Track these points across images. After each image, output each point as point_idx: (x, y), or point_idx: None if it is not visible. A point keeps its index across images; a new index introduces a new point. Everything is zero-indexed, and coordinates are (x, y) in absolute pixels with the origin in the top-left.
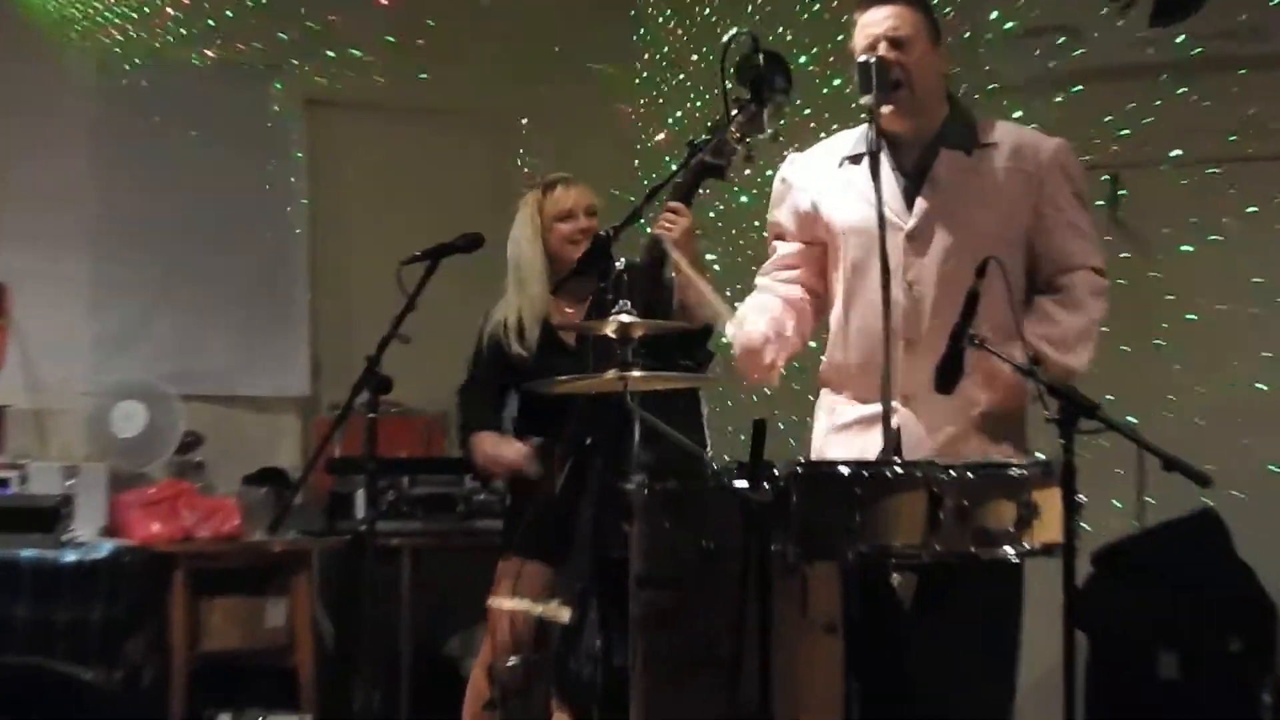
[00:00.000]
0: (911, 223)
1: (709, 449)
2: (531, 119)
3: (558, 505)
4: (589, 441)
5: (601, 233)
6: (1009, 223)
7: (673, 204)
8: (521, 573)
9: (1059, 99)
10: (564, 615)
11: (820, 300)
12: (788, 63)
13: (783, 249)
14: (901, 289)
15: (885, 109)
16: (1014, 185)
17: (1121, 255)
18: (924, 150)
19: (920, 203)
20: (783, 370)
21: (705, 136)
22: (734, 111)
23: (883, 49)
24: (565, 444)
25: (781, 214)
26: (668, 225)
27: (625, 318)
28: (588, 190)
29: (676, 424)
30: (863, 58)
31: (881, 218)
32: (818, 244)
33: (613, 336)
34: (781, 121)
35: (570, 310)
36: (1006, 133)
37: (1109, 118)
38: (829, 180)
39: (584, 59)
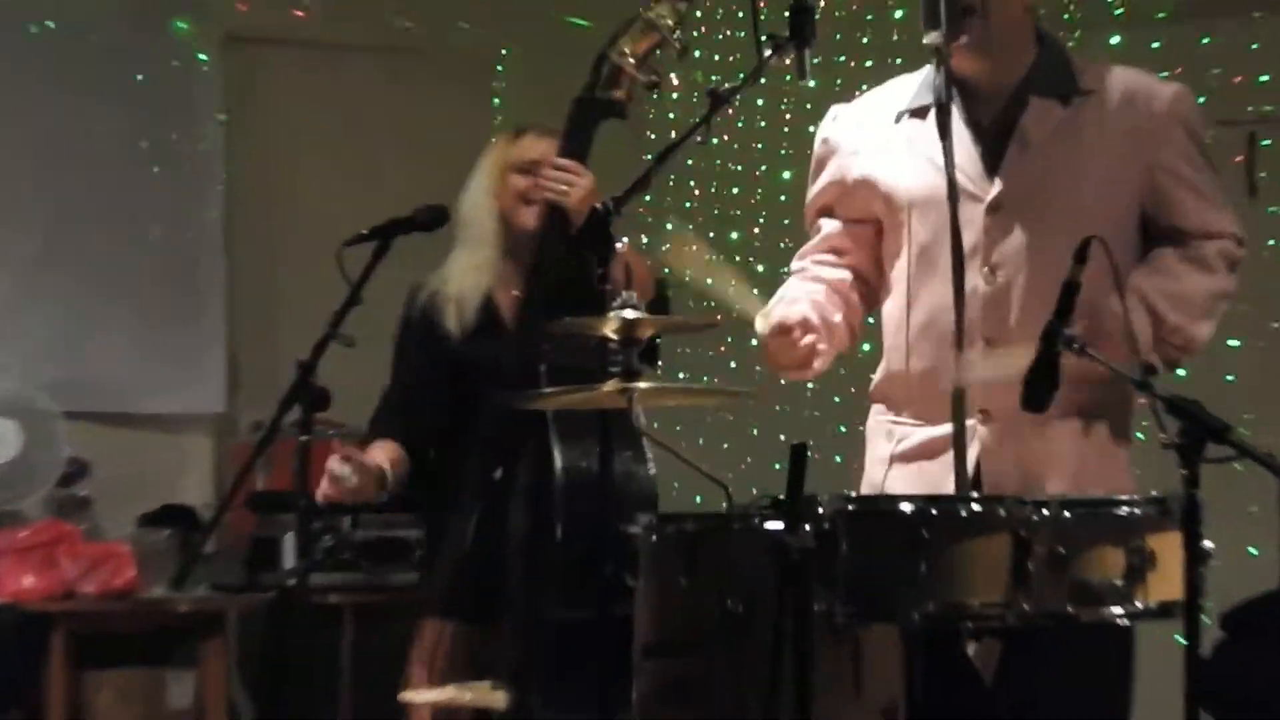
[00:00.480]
0: (994, 191)
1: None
2: (513, 61)
3: (474, 557)
4: (498, 473)
5: (599, 205)
6: (1117, 190)
7: (559, 160)
8: (441, 643)
9: (1167, 36)
10: (498, 700)
11: (875, 291)
12: None
13: (827, 228)
14: (981, 276)
15: (957, 45)
16: (1123, 143)
17: (1258, 231)
18: (1008, 100)
19: (1005, 166)
20: (825, 367)
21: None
22: (767, 53)
23: None
24: (474, 474)
25: (824, 184)
26: (560, 189)
27: (631, 313)
28: (551, 141)
29: (613, 445)
30: None
31: (954, 185)
32: (870, 221)
33: (613, 338)
34: (673, 31)
35: (516, 292)
36: (1111, 77)
37: (1239, 59)
38: (885, 139)
39: None
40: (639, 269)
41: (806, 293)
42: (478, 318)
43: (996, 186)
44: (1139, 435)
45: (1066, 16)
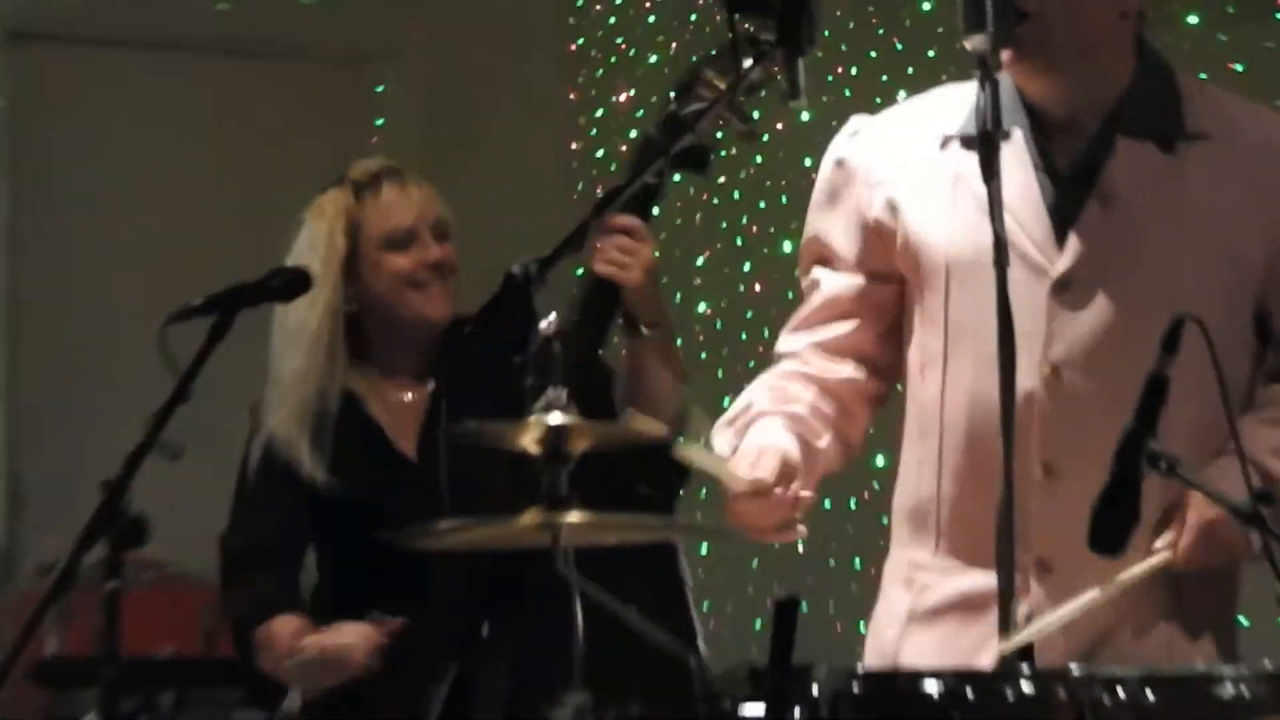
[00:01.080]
0: (1064, 262)
1: (700, 642)
2: (397, 67)
3: None
4: (483, 633)
5: (515, 270)
6: (1231, 270)
7: (621, 220)
8: None
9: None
10: None
11: (885, 381)
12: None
13: (829, 284)
14: (1039, 376)
15: (1011, 53)
16: (1241, 208)
17: None
18: (1090, 138)
19: (1079, 229)
20: (803, 522)
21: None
22: (748, 62)
23: None
24: (435, 642)
25: (832, 222)
26: (617, 259)
27: (559, 416)
28: (430, 189)
29: (644, 603)
30: None
31: (1001, 242)
32: (892, 281)
33: (534, 450)
34: (795, 79)
35: (409, 396)
36: (1234, 116)
37: None
38: (924, 170)
39: None
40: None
41: (784, 406)
42: (362, 442)
43: (1068, 256)
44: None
45: None
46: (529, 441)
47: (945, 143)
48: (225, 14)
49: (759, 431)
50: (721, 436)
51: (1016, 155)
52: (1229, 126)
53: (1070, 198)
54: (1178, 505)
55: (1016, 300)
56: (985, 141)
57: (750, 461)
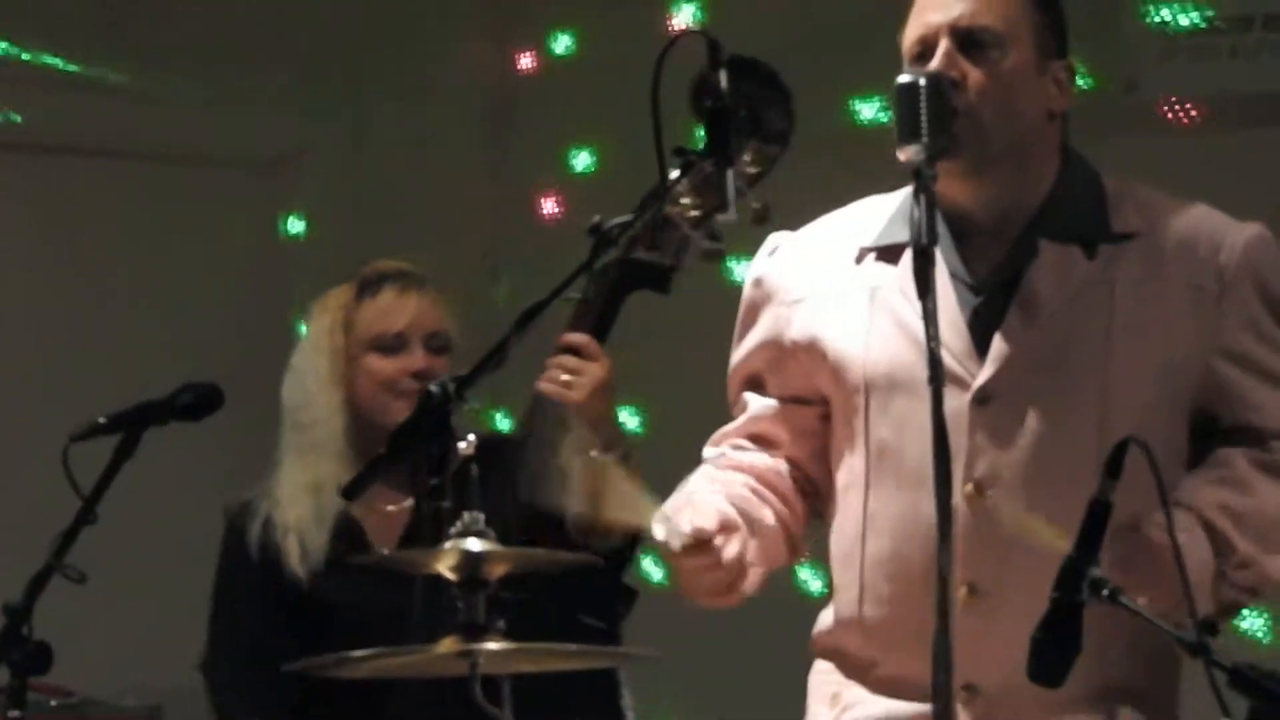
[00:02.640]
0: (984, 375)
1: None
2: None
3: None
4: None
5: (433, 388)
6: (1161, 380)
7: (570, 337)
8: None
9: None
10: None
11: (820, 493)
12: (783, 86)
13: (754, 408)
14: (962, 495)
15: (947, 164)
16: (1175, 310)
17: None
18: (1012, 243)
19: (1003, 341)
20: (756, 588)
21: (624, 218)
22: (675, 174)
23: (943, 52)
24: None
25: (754, 345)
26: (564, 378)
27: (475, 543)
28: (438, 300)
29: None
30: (904, 76)
31: (936, 362)
32: (815, 401)
33: (451, 577)
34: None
35: (391, 508)
36: (1159, 214)
37: None
38: (840, 286)
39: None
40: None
41: (722, 484)
42: (342, 548)
43: (988, 368)
44: None
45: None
46: (445, 568)
47: (861, 256)
48: (122, 103)
49: (694, 499)
50: (660, 526)
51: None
52: (1157, 227)
53: (991, 307)
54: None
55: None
56: (921, 255)
57: (688, 517)
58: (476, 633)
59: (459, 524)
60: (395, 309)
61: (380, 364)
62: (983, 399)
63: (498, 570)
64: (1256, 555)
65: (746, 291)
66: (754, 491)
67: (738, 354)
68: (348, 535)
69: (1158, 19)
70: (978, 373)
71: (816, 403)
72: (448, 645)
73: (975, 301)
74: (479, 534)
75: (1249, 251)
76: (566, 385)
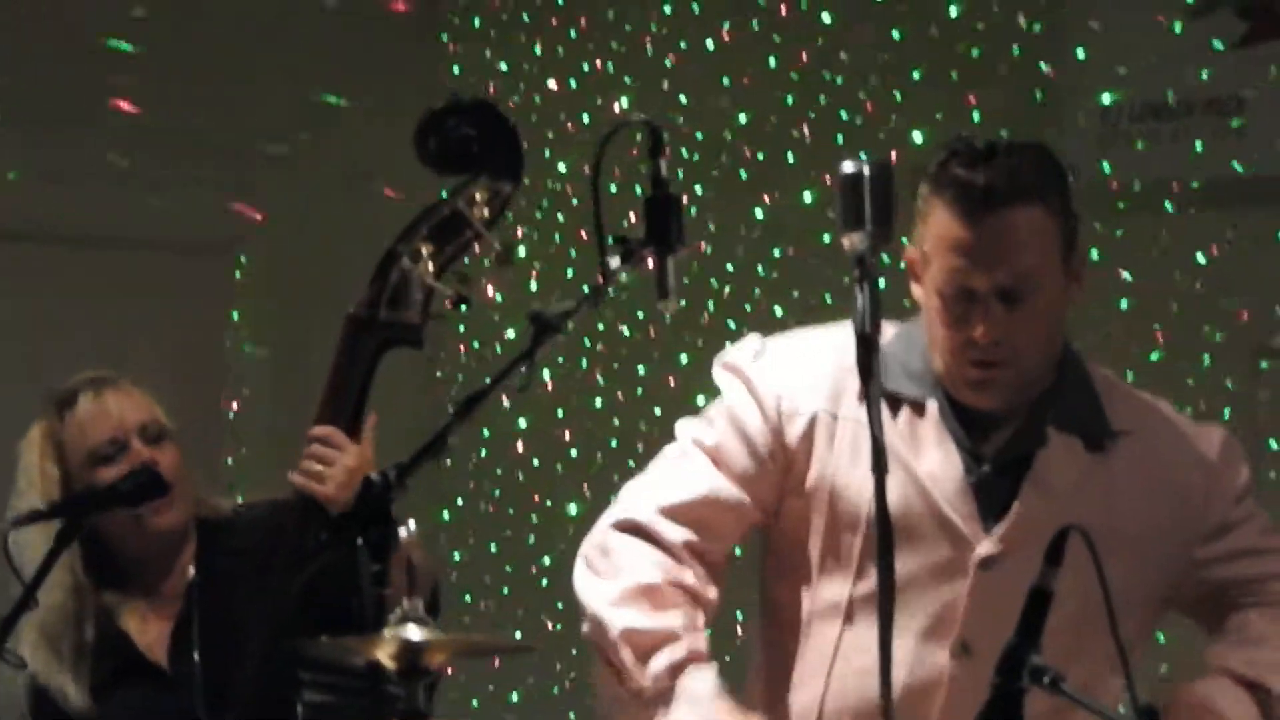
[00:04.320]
0: (991, 545)
1: None
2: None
3: None
4: None
5: (374, 477)
6: (1148, 569)
7: (318, 430)
8: None
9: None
10: None
11: (721, 573)
12: (508, 122)
13: (715, 487)
14: (948, 651)
15: (975, 390)
16: (1160, 502)
17: None
18: (1020, 424)
19: (1018, 512)
20: None
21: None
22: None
23: (993, 320)
24: None
25: (737, 440)
26: (311, 470)
27: (419, 632)
28: (134, 393)
29: None
30: (848, 164)
31: (880, 453)
32: (768, 511)
33: (390, 665)
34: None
35: (159, 606)
36: (1141, 415)
37: None
38: (843, 414)
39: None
40: (421, 562)
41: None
42: (115, 666)
43: (998, 538)
44: None
45: None
46: (385, 655)
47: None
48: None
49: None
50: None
51: (937, 430)
52: (1144, 426)
53: (998, 481)
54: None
55: (939, 571)
56: (863, 343)
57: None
58: (416, 718)
59: (399, 611)
60: (96, 418)
61: (108, 474)
62: (988, 565)
63: (438, 658)
64: None
65: (730, 381)
66: (693, 610)
67: (719, 431)
68: (120, 651)
69: (1099, 104)
70: (980, 537)
71: (763, 513)
72: None
73: (980, 470)
74: (420, 621)
75: (1224, 452)
76: (318, 477)
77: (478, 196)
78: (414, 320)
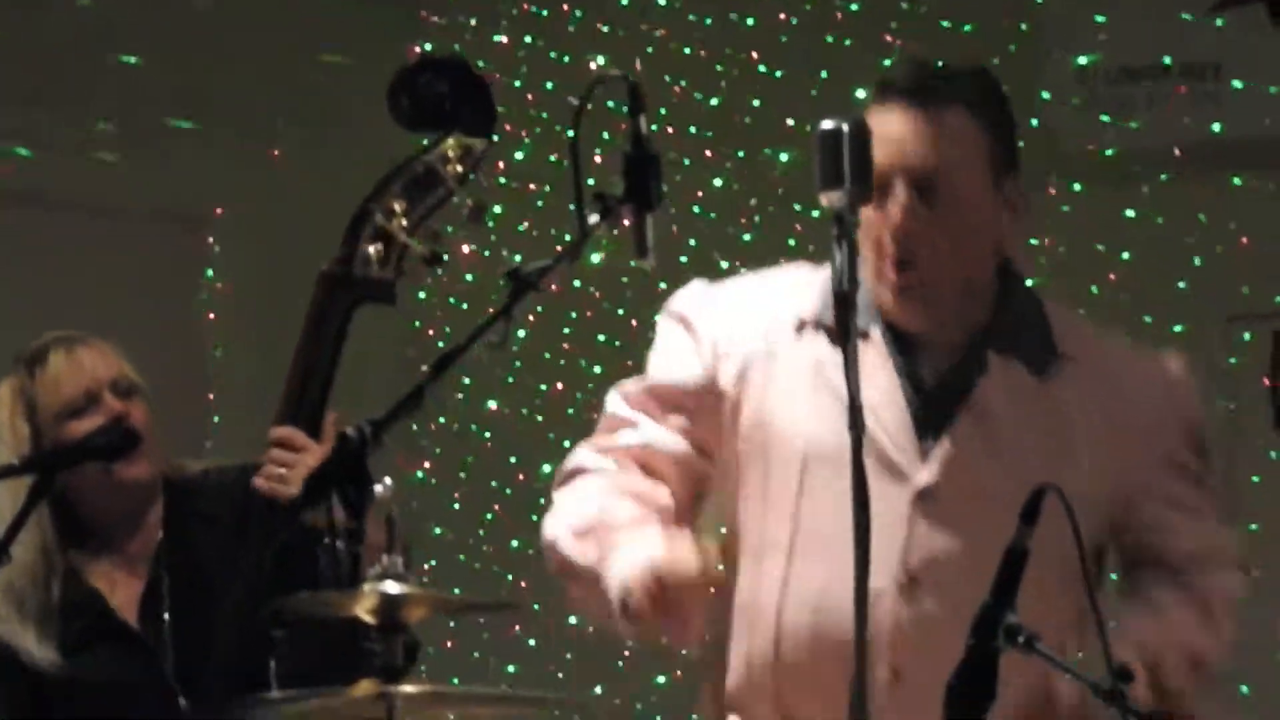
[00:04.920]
0: (930, 473)
1: None
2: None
3: None
4: None
5: (350, 432)
6: (1092, 498)
7: (279, 433)
8: None
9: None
10: None
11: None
12: (479, 78)
13: (651, 434)
14: (894, 582)
15: (890, 295)
16: (1106, 440)
17: None
18: (961, 355)
19: (952, 443)
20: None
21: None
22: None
23: (904, 205)
24: None
25: (673, 379)
26: (274, 473)
27: (395, 585)
28: (105, 349)
29: None
30: (828, 121)
31: (856, 409)
32: (708, 454)
33: (369, 620)
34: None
35: (130, 565)
36: (1097, 347)
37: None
38: (779, 352)
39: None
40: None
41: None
42: (86, 624)
43: (934, 467)
44: None
45: None
46: (364, 610)
47: (802, 327)
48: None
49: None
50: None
51: (879, 357)
52: (1094, 354)
53: (937, 409)
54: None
55: (876, 503)
56: (841, 301)
57: (688, 552)
58: (394, 675)
59: (378, 567)
60: (69, 372)
61: (80, 427)
62: (925, 496)
63: (417, 613)
64: (1178, 683)
65: (671, 332)
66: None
67: (656, 377)
68: (91, 611)
69: (1075, 68)
70: (918, 468)
71: (706, 457)
72: (365, 688)
73: (920, 402)
74: (398, 577)
75: (1175, 389)
76: (281, 479)
77: (450, 153)
78: (387, 276)
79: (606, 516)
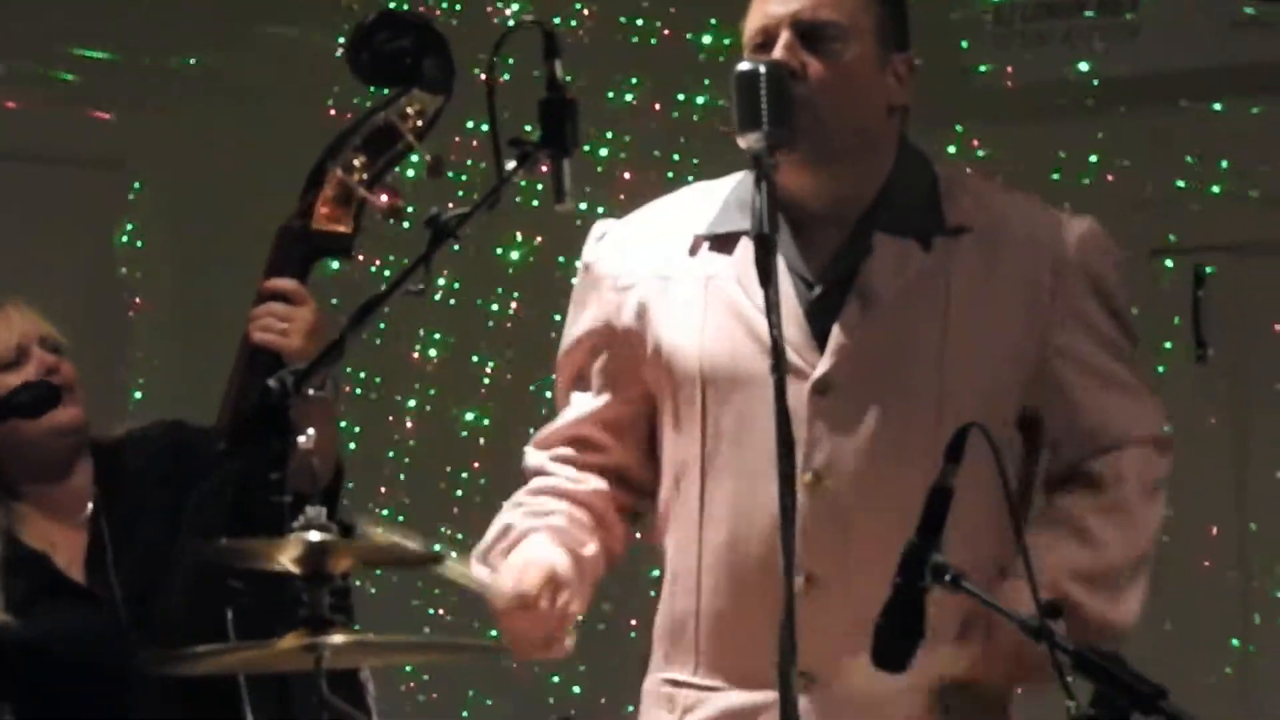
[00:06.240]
0: (823, 366)
1: None
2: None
3: None
4: None
5: (271, 382)
6: (997, 369)
7: (275, 283)
8: None
9: (1103, 130)
10: None
11: (638, 495)
12: (438, 33)
13: (576, 408)
14: (802, 484)
15: (784, 156)
16: (1007, 306)
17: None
18: (848, 235)
19: (841, 333)
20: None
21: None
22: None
23: (784, 44)
24: None
25: (583, 331)
26: (274, 325)
27: (318, 534)
28: (28, 310)
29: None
30: (744, 64)
31: (781, 354)
32: (639, 400)
33: (295, 570)
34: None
35: (68, 520)
36: (995, 210)
37: (1194, 157)
38: (671, 272)
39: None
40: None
41: (542, 521)
42: (33, 581)
43: (826, 359)
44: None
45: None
46: (289, 560)
47: (696, 244)
48: None
49: (525, 547)
50: (480, 566)
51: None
52: (992, 220)
53: (828, 300)
54: (984, 617)
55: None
56: (762, 243)
57: (515, 576)
58: (321, 626)
59: (302, 517)
60: (1, 326)
61: (10, 380)
62: (822, 389)
63: (342, 563)
64: (1107, 612)
65: (578, 280)
66: (572, 521)
67: (566, 342)
68: (37, 570)
69: (991, 2)
70: (816, 364)
71: (638, 397)
72: (292, 639)
73: (812, 295)
74: (324, 527)
75: (1083, 246)
76: (283, 333)
77: (409, 109)
78: (345, 230)
79: (504, 533)
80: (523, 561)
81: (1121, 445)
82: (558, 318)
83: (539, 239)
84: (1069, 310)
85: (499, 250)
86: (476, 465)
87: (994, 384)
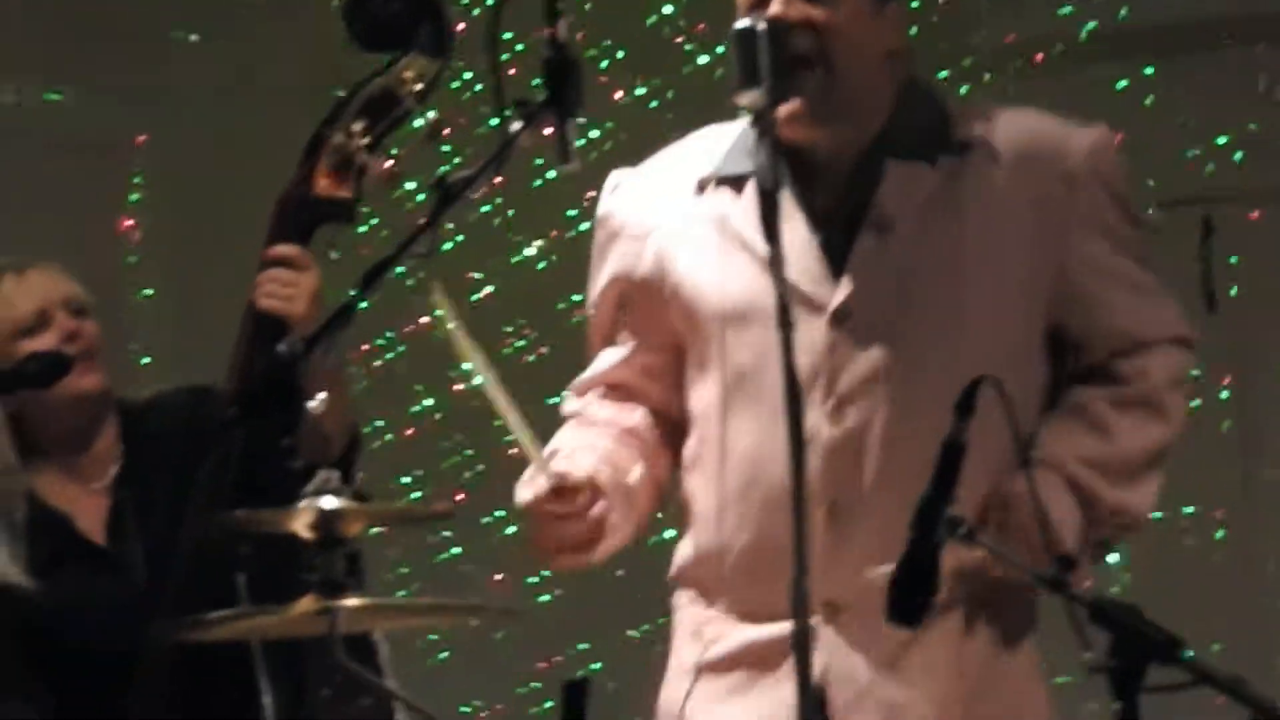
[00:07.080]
0: (840, 295)
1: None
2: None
3: None
4: None
5: (281, 348)
6: (1016, 288)
7: (279, 249)
8: None
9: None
10: None
11: (681, 435)
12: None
13: (611, 355)
14: (823, 414)
15: (786, 109)
16: (1022, 219)
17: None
18: (856, 168)
19: (857, 260)
20: (617, 548)
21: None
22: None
23: (779, 2)
24: None
25: (604, 283)
26: (279, 291)
27: (331, 501)
28: (54, 272)
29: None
30: (742, 21)
31: (784, 305)
32: (669, 346)
33: (307, 536)
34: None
35: (89, 483)
36: (1003, 124)
37: (1189, 121)
38: (685, 216)
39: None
40: (339, 417)
41: (589, 442)
42: (51, 543)
43: (844, 288)
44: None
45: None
46: (301, 526)
47: (703, 186)
48: None
49: (563, 454)
50: (524, 489)
51: (783, 200)
52: (998, 134)
53: (842, 231)
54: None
55: (798, 339)
56: (767, 200)
57: (560, 463)
58: (334, 590)
59: (315, 481)
60: (21, 292)
61: (32, 345)
62: (841, 318)
63: (354, 526)
64: (1123, 498)
65: (596, 235)
66: (620, 445)
67: (592, 295)
68: (49, 527)
69: None
70: (834, 294)
71: (668, 343)
72: (306, 604)
73: (826, 228)
74: (334, 492)
75: (1095, 154)
76: (288, 299)
77: (407, 74)
78: (346, 196)
79: (553, 455)
80: (570, 450)
81: (1149, 345)
82: None
83: None
84: (1086, 219)
85: None
86: None
87: (1013, 301)
